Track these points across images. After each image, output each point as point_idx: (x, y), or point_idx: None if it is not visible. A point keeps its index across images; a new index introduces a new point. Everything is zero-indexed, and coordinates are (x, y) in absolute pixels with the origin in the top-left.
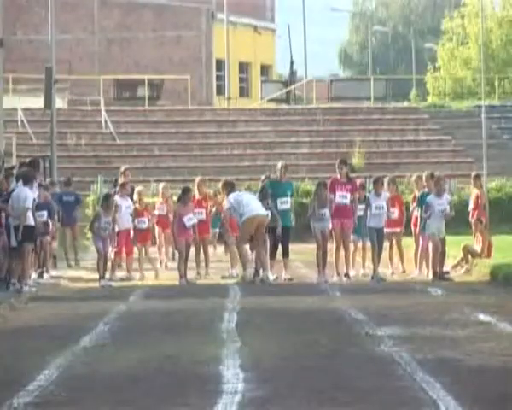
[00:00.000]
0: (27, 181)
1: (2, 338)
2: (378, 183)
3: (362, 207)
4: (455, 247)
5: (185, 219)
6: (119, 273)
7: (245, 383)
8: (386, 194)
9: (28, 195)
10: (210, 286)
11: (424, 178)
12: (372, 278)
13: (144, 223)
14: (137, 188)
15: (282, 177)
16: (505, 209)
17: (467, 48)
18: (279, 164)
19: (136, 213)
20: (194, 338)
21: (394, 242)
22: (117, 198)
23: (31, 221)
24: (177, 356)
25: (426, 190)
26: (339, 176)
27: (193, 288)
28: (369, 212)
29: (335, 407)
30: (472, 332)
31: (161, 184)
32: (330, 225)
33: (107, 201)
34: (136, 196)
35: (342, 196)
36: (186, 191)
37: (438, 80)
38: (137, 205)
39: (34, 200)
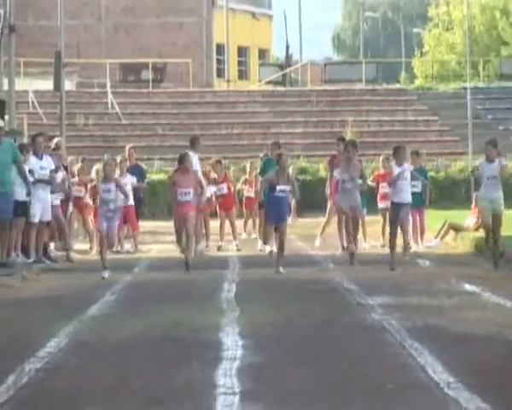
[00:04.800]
0: None
1: (14, 308)
2: (399, 152)
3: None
4: (441, 220)
5: (179, 192)
6: (126, 245)
7: (243, 349)
8: (408, 166)
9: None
10: (210, 258)
11: (382, 159)
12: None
13: (223, 189)
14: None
15: (274, 154)
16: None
17: (452, 33)
18: (270, 142)
19: (215, 182)
20: (195, 307)
21: (387, 216)
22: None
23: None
24: (179, 324)
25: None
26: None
27: (194, 260)
28: (392, 186)
29: (329, 373)
30: (458, 301)
31: (78, 165)
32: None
33: (104, 168)
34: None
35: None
36: (182, 159)
37: (424, 64)
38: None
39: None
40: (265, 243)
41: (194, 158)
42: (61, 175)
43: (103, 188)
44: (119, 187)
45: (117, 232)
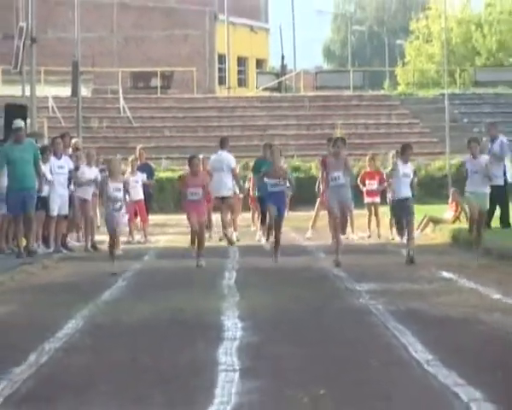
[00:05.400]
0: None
1: (35, 292)
2: (407, 149)
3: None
4: (421, 214)
5: (189, 192)
6: (137, 236)
7: (243, 331)
8: (410, 165)
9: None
10: (212, 248)
11: (393, 155)
12: (410, 257)
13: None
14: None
15: (265, 155)
16: (465, 182)
17: (431, 45)
18: (263, 144)
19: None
20: (199, 293)
21: (373, 210)
22: (126, 175)
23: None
24: (184, 308)
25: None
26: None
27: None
28: (395, 180)
29: (320, 352)
30: (437, 287)
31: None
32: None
33: (110, 165)
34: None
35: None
36: (190, 163)
37: (406, 72)
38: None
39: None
40: (268, 238)
41: (227, 157)
42: (93, 173)
43: (112, 187)
44: (124, 185)
45: (127, 225)
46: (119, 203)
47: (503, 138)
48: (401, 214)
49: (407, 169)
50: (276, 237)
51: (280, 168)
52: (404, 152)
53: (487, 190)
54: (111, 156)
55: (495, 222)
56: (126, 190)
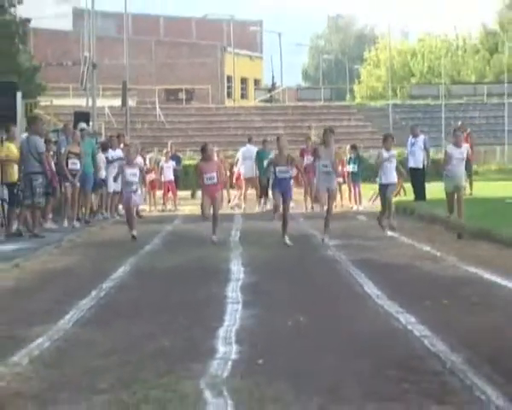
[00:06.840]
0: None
1: (95, 247)
2: (388, 139)
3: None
4: (372, 190)
5: (205, 177)
6: (169, 206)
7: (244, 274)
8: (394, 151)
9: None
10: (221, 215)
11: (348, 149)
12: (391, 226)
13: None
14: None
15: (264, 147)
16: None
17: (379, 69)
18: (262, 140)
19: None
20: (213, 247)
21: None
22: (162, 162)
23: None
24: (203, 258)
25: (351, 155)
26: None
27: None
28: (380, 168)
29: (301, 288)
30: (384, 243)
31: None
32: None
33: (128, 153)
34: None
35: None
36: (204, 149)
37: (361, 89)
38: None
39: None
40: (275, 212)
41: (255, 150)
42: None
43: (128, 172)
44: (141, 171)
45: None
46: (135, 186)
47: (425, 136)
48: (384, 197)
49: (390, 157)
50: (284, 216)
51: (286, 155)
52: (385, 141)
53: (463, 172)
54: (149, 149)
55: (411, 195)
56: (143, 177)
